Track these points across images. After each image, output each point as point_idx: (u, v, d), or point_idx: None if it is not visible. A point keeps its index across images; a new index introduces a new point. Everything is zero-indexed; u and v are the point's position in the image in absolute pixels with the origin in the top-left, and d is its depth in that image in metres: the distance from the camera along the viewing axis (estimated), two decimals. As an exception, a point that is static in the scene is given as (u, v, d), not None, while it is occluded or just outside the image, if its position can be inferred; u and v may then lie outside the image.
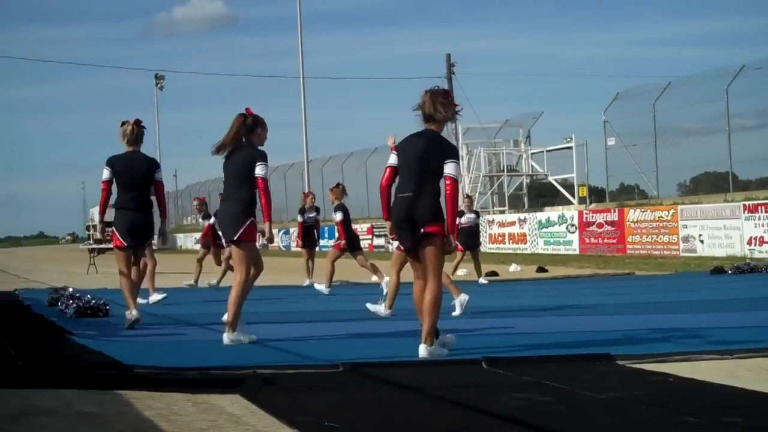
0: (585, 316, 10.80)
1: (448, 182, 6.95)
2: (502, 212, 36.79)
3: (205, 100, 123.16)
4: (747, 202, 23.30)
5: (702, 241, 24.05)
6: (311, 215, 18.46)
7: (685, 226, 24.60)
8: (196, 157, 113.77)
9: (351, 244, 15.27)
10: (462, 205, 18.05)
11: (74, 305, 10.83)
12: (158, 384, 5.87)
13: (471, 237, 18.10)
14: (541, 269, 22.11)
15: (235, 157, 8.14)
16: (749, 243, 22.44)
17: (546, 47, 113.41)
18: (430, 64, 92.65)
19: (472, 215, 18.32)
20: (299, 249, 19.53)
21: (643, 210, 26.74)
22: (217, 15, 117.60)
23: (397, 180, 7.23)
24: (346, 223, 15.23)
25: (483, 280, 17.76)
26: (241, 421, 4.90)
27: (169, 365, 6.59)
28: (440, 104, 7.12)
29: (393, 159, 7.19)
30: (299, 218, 18.57)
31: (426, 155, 7.00)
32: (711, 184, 32.47)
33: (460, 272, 20.35)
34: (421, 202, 6.95)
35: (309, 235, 18.43)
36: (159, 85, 61.87)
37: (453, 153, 7.09)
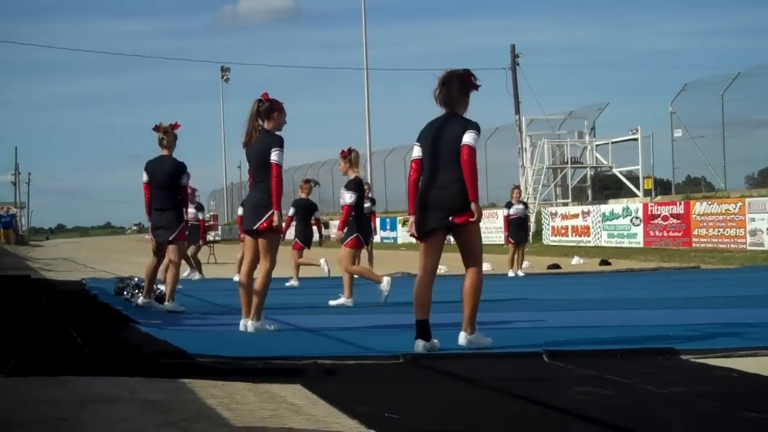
0: (648, 309, 10.67)
1: (464, 149, 6.73)
2: (566, 204, 36.50)
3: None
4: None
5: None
6: (367, 205, 18.49)
7: (753, 219, 24.15)
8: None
9: (305, 240, 15.78)
10: (511, 196, 18.00)
11: (140, 294, 11.00)
12: (220, 373, 5.93)
13: (521, 229, 17.98)
14: (604, 262, 21.90)
15: (254, 144, 8.10)
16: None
17: (611, 38, 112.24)
18: (494, 55, 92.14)
19: (521, 206, 18.14)
20: None
21: (709, 203, 26.32)
22: (282, 7, 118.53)
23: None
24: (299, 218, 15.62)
25: (520, 273, 17.68)
26: (302, 410, 4.93)
27: (231, 355, 6.66)
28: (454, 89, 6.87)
29: (417, 151, 7.02)
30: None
31: (447, 138, 6.81)
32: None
33: (487, 266, 20.19)
34: (450, 191, 6.80)
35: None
36: (225, 78, 62.41)
37: (471, 125, 6.83)
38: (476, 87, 6.99)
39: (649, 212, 28.25)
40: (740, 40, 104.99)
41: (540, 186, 36.88)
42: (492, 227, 35.50)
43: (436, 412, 4.97)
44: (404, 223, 10.92)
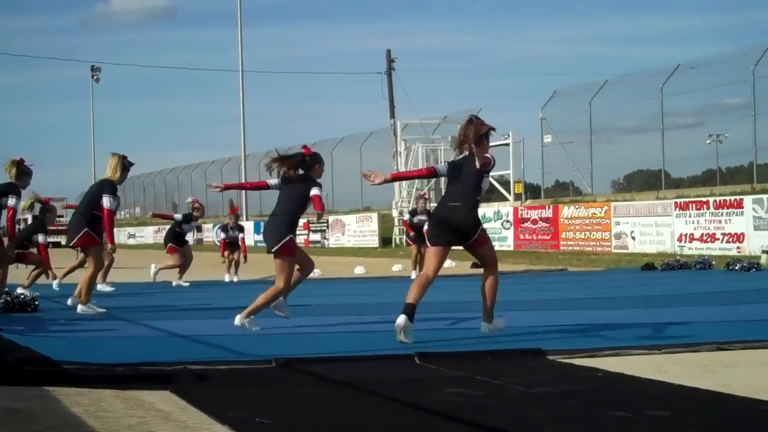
0: (517, 311, 10.88)
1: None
2: (439, 208, 36.97)
3: (143, 93, 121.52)
4: (678, 200, 23.71)
5: (634, 238, 24.41)
6: (422, 218, 18.40)
7: (618, 223, 24.94)
8: (132, 150, 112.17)
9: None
10: (417, 204, 18.39)
11: (2, 300, 10.61)
12: (87, 380, 5.78)
13: (420, 234, 18.24)
14: (475, 265, 22.20)
15: (295, 186, 8.91)
16: (680, 240, 22.84)
17: (485, 44, 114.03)
18: (370, 59, 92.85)
19: (424, 217, 18.35)
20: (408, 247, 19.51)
21: (577, 207, 27.07)
22: (157, 7, 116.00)
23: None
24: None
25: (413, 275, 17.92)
26: (171, 417, 4.85)
27: (98, 361, 6.49)
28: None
29: (443, 167, 8.08)
30: (412, 219, 18.40)
31: (479, 174, 7.81)
32: (644, 182, 33.03)
33: (396, 267, 20.52)
34: (469, 217, 7.81)
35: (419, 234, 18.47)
36: (95, 78, 60.95)
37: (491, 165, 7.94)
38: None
39: (519, 216, 28.87)
40: (608, 48, 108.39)
41: (414, 190, 37.23)
42: (366, 230, 35.70)
43: (307, 416, 4.96)
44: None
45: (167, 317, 10.31)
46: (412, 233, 18.27)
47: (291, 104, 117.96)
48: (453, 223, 7.77)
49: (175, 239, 16.87)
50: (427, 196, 22.28)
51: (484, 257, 8.09)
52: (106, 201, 10.35)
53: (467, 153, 7.84)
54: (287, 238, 8.56)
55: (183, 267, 16.69)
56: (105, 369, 6.26)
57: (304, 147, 9.18)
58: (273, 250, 8.57)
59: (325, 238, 38.57)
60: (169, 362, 6.47)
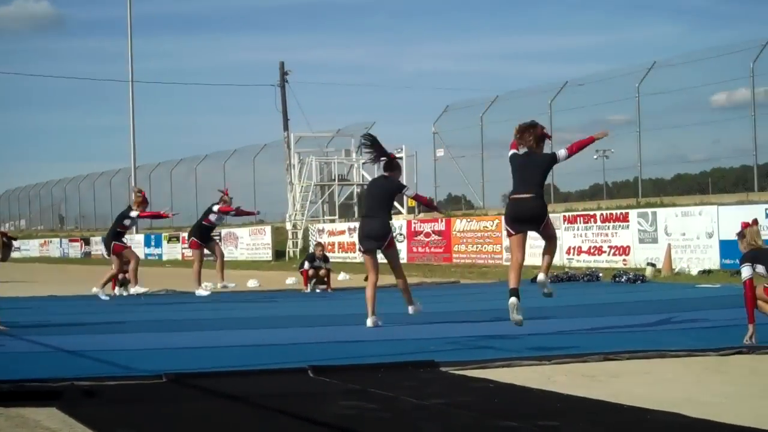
0: (411, 324, 10.94)
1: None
2: (333, 221, 36.97)
3: (29, 103, 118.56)
4: (567, 213, 24.22)
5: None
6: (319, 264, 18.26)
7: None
8: (18, 160, 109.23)
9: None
10: (315, 250, 18.63)
11: None
12: (-32, 398, 5.58)
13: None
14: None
15: (382, 186, 10.50)
16: (568, 252, 23.33)
17: (380, 58, 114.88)
18: (264, 71, 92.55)
19: (321, 264, 18.28)
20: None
21: (469, 220, 27.41)
22: (44, 14, 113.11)
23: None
24: None
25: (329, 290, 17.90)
26: (57, 435, 4.72)
27: (-20, 378, 6.27)
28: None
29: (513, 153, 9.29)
30: (312, 264, 18.18)
31: (546, 168, 9.19)
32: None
33: (290, 281, 20.51)
34: (541, 203, 9.03)
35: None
36: (-23, 85, 59.13)
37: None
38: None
39: (413, 229, 29.07)
40: (499, 64, 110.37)
41: (308, 203, 37.16)
42: (259, 243, 35.44)
43: (199, 431, 4.89)
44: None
45: (53, 332, 10.04)
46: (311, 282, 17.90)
47: (183, 116, 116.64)
48: (527, 213, 8.89)
49: (201, 234, 15.89)
50: (324, 244, 22.38)
51: (548, 235, 9.21)
52: None
53: (526, 149, 9.08)
54: (391, 234, 10.43)
55: (220, 265, 16.01)
56: (-13, 386, 6.05)
57: (391, 153, 10.64)
58: (383, 246, 10.30)
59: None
60: (55, 378, 6.30)
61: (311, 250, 19.76)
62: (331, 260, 19.23)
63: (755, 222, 8.45)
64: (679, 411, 5.15)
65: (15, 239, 10.22)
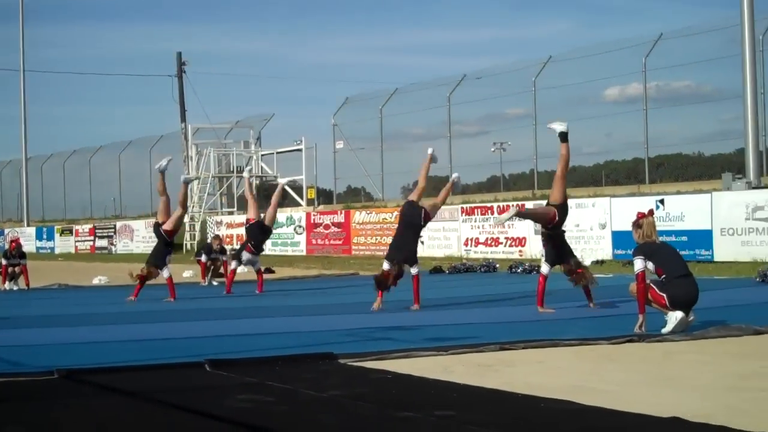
0: (308, 316, 10.93)
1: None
2: (231, 213, 36.65)
3: None
4: (465, 205, 24.50)
5: (422, 242, 25.01)
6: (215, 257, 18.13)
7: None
8: None
9: None
10: (213, 242, 18.81)
11: None
12: None
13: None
14: (268, 270, 22.20)
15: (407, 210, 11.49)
16: (466, 244, 23.61)
17: (280, 49, 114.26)
18: (161, 61, 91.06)
19: (217, 256, 18.30)
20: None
21: (368, 212, 27.48)
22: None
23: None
24: None
25: (215, 282, 17.75)
26: (-58, 435, 4.56)
27: None
28: None
29: None
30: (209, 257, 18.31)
31: None
32: (432, 188, 33.74)
33: (186, 273, 20.25)
34: None
35: None
36: None
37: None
38: None
39: (312, 221, 29.02)
40: (398, 57, 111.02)
41: (206, 195, 36.76)
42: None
43: (93, 428, 4.79)
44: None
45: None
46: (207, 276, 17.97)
47: (77, 106, 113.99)
48: None
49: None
50: (222, 237, 22.47)
51: None
52: None
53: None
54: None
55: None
56: None
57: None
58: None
59: (112, 244, 37.46)
60: (-61, 376, 6.09)
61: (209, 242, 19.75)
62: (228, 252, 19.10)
63: (651, 212, 8.66)
64: (571, 399, 5.26)
65: None
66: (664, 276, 8.27)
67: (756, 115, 19.39)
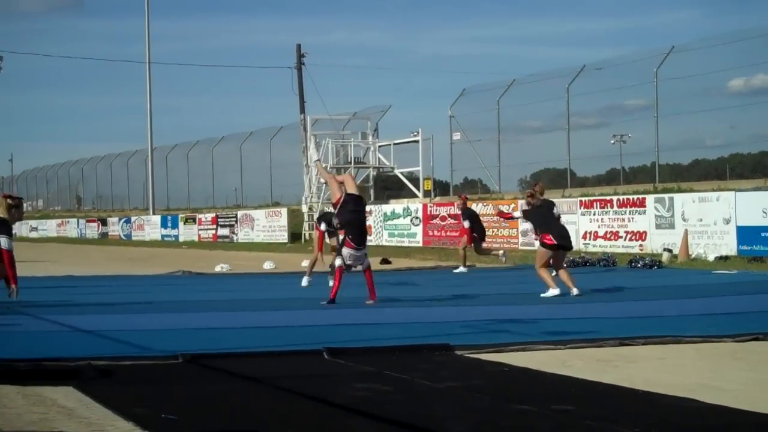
0: (426, 307, 10.96)
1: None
2: (348, 204, 36.97)
3: (47, 83, 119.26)
4: (583, 198, 24.14)
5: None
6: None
7: (525, 221, 25.25)
8: (35, 140, 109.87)
9: None
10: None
11: None
12: (-13, 376, 5.63)
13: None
14: (385, 261, 22.33)
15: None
16: (584, 237, 23.27)
17: (396, 41, 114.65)
18: (280, 54, 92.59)
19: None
20: None
21: (485, 204, 27.36)
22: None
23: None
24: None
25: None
26: (74, 413, 4.75)
27: (-1, 356, 6.33)
28: None
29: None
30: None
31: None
32: (550, 180, 33.51)
33: (305, 263, 20.47)
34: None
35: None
36: (-4, 66, 59.23)
37: None
38: None
39: (428, 212, 29.05)
40: (516, 48, 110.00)
41: (324, 185, 37.17)
42: (275, 225, 35.50)
43: (214, 411, 4.91)
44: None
45: (71, 312, 10.10)
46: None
47: (200, 97, 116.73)
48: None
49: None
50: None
51: None
52: (4, 242, 9.62)
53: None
54: None
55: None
56: (6, 364, 6.10)
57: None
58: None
59: (233, 233, 38.26)
60: (72, 357, 6.35)
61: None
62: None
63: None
64: (693, 396, 5.15)
65: (20, 198, 10.12)
66: None
67: None
